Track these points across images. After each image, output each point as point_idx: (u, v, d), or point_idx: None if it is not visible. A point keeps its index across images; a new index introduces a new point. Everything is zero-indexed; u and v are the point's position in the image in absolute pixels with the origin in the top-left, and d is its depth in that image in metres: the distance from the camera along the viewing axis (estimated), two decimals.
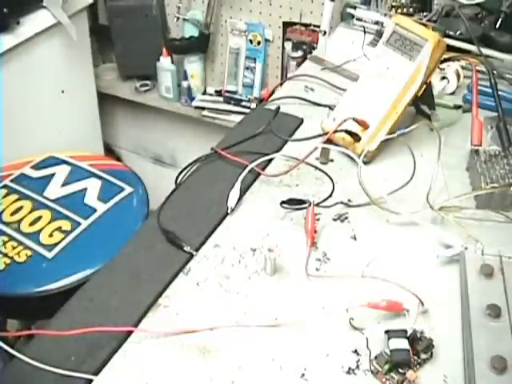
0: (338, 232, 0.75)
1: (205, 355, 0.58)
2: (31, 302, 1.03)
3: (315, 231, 0.72)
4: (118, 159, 2.11)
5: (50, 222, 1.13)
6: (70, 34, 1.52)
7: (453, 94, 1.05)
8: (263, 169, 0.84)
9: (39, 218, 1.14)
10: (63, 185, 1.23)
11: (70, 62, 1.65)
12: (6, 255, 1.06)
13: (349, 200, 0.79)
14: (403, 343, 0.56)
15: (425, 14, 1.25)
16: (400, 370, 0.56)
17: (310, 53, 1.51)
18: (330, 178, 0.83)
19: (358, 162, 0.78)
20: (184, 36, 1.75)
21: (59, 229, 1.11)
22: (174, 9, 1.75)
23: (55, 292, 1.01)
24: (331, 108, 0.95)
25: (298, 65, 1.50)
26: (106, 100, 1.93)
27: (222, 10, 1.72)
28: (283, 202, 0.77)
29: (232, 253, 0.71)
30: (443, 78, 1.04)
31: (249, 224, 0.76)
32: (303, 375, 0.57)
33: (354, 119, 0.85)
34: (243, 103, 1.76)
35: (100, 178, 1.25)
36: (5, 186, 1.22)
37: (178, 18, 1.75)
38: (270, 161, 0.86)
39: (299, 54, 1.61)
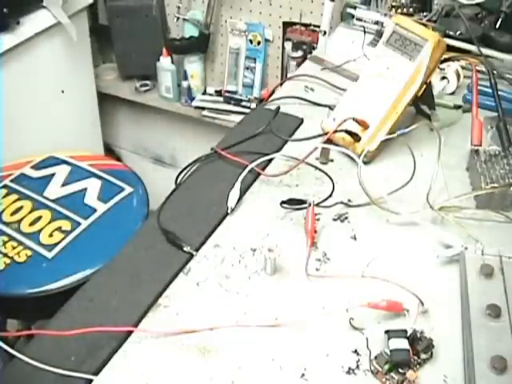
0: (337, 232, 0.75)
1: (205, 355, 0.58)
2: (31, 301, 1.03)
3: (315, 231, 0.72)
4: (118, 159, 2.11)
5: (50, 222, 1.13)
6: (70, 34, 1.52)
7: (453, 94, 1.05)
8: (263, 169, 0.84)
9: (39, 218, 1.14)
10: (63, 185, 1.23)
11: (70, 62, 1.65)
12: (6, 255, 1.06)
13: (349, 200, 0.79)
14: (403, 343, 0.56)
15: (425, 13, 1.25)
16: (400, 370, 0.56)
17: (310, 53, 1.51)
18: (330, 178, 0.83)
19: (358, 162, 0.78)
20: (184, 36, 1.75)
21: (59, 229, 1.11)
22: (174, 9, 1.75)
23: (55, 292, 1.01)
24: (331, 108, 0.95)
25: (298, 65, 1.50)
26: (105, 100, 1.93)
27: (222, 10, 1.72)
28: (283, 202, 0.77)
29: (232, 253, 0.71)
30: (443, 77, 1.04)
31: (249, 224, 0.76)
32: (303, 375, 0.57)
33: (354, 119, 0.85)
34: (243, 103, 1.76)
35: (100, 177, 1.25)
36: (5, 186, 1.22)
37: (178, 18, 1.75)
38: (270, 161, 0.86)
39: (299, 54, 1.61)
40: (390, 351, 0.56)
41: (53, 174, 1.26)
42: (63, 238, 1.09)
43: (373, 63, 0.89)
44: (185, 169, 0.86)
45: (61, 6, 1.47)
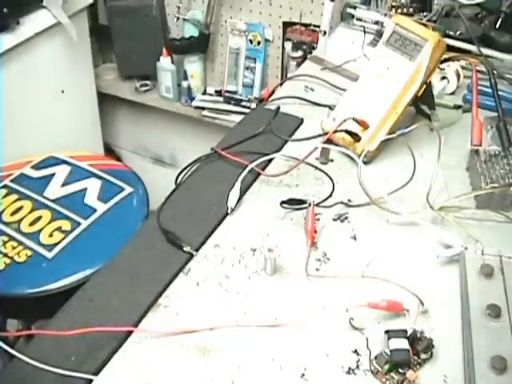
0: (337, 232, 0.75)
1: (205, 355, 0.58)
2: (31, 301, 1.03)
3: (315, 231, 0.72)
4: (118, 159, 2.11)
5: (50, 222, 1.13)
6: (70, 34, 1.52)
7: (453, 94, 1.05)
8: (263, 169, 0.84)
9: (39, 218, 1.14)
10: (63, 185, 1.23)
11: (70, 62, 1.65)
12: (6, 255, 1.06)
13: (349, 200, 0.79)
14: (403, 343, 0.56)
15: (425, 13, 1.25)
16: (400, 370, 0.56)
17: (310, 53, 1.51)
18: (330, 178, 0.83)
19: (358, 162, 0.78)
20: (184, 36, 1.75)
21: (59, 229, 1.11)
22: (174, 9, 1.75)
23: (55, 292, 1.01)
24: (331, 108, 0.95)
25: (298, 65, 1.50)
26: (106, 100, 1.93)
27: (222, 10, 1.72)
28: (283, 202, 0.77)
29: (232, 253, 0.71)
30: (443, 77, 1.04)
31: (249, 224, 0.76)
32: (303, 375, 0.57)
33: (354, 119, 0.85)
34: (243, 103, 1.76)
35: (100, 178, 1.25)
36: (5, 186, 1.22)
37: (178, 18, 1.75)
38: (270, 161, 0.86)
39: (299, 54, 1.61)
40: (390, 351, 0.56)
41: (53, 174, 1.26)
42: (63, 238, 1.09)
43: (373, 63, 0.89)
44: (185, 169, 0.86)
45: (61, 6, 1.47)
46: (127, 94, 1.92)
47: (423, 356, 0.57)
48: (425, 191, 0.76)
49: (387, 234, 0.75)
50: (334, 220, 0.77)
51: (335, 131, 0.85)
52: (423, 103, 0.91)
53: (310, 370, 0.57)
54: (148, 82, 1.91)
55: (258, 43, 1.70)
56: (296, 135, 0.94)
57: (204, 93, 1.86)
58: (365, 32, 1.21)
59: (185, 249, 0.70)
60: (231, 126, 1.61)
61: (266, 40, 1.69)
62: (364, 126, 0.86)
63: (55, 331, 0.60)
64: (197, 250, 0.71)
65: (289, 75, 1.48)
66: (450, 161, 0.83)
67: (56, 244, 1.08)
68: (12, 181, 1.24)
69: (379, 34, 1.19)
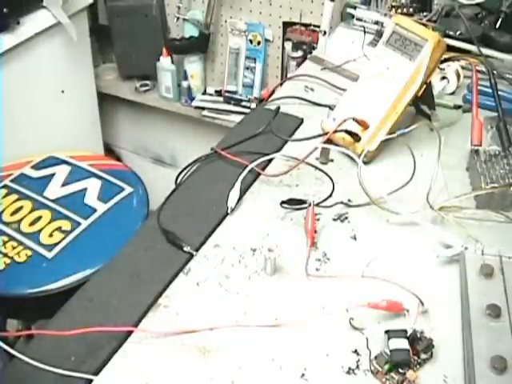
0: (338, 232, 0.75)
1: (205, 355, 0.58)
2: (31, 301, 1.03)
3: (315, 231, 0.72)
4: (118, 159, 2.11)
5: (50, 222, 1.13)
6: (70, 34, 1.52)
7: (453, 94, 1.05)
8: (263, 169, 0.84)
9: (39, 218, 1.14)
10: (63, 185, 1.23)
11: (70, 62, 1.65)
12: (6, 255, 1.06)
13: (349, 200, 0.79)
14: (403, 343, 0.56)
15: (425, 13, 1.25)
16: (400, 370, 0.56)
17: (310, 53, 1.51)
18: (330, 178, 0.83)
19: (358, 162, 0.78)
20: (184, 36, 1.75)
21: (59, 229, 1.11)
22: (174, 9, 1.75)
23: (55, 292, 1.01)
24: (331, 108, 0.95)
25: (298, 65, 1.50)
26: (106, 100, 1.93)
27: (222, 10, 1.72)
28: (283, 202, 0.77)
29: (232, 253, 0.71)
30: (443, 77, 1.04)
31: (249, 224, 0.76)
32: (303, 375, 0.57)
33: (354, 119, 0.85)
34: (243, 103, 1.76)
35: (100, 178, 1.25)
36: (5, 186, 1.22)
37: (178, 18, 1.75)
38: (270, 161, 0.86)
39: (299, 54, 1.61)
40: (390, 351, 0.56)
41: (53, 174, 1.26)
42: (63, 238, 1.09)
43: (373, 63, 0.89)
44: (185, 169, 0.86)
45: (61, 6, 1.47)
46: (127, 94, 1.92)
47: (423, 356, 0.57)
48: (425, 191, 0.76)
49: (387, 234, 0.75)
50: (334, 220, 0.77)
51: (335, 131, 0.85)
52: (423, 103, 0.91)
53: (309, 370, 0.57)
54: (148, 82, 1.91)
55: (258, 43, 1.70)
56: (296, 135, 0.94)
57: (204, 93, 1.86)
58: (365, 32, 1.21)
59: (185, 249, 0.70)
60: (231, 126, 1.61)
61: (266, 40, 1.69)
62: (364, 126, 0.86)
63: (55, 331, 0.60)
64: (197, 250, 0.71)
65: (289, 75, 1.48)
66: (449, 161, 0.83)
67: (56, 244, 1.08)
68: (12, 181, 1.24)
69: (379, 34, 1.19)
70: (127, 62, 1.87)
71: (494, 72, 0.88)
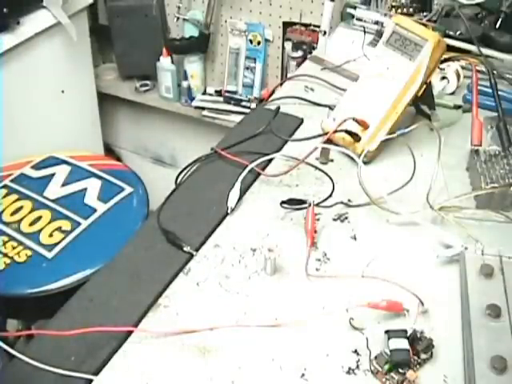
0: (338, 232, 0.75)
1: (205, 355, 0.58)
2: (31, 301, 1.03)
3: (315, 231, 0.72)
4: (118, 159, 2.11)
5: (50, 222, 1.13)
6: (70, 34, 1.52)
7: (453, 94, 1.05)
8: (263, 169, 0.84)
9: (39, 218, 1.14)
10: (63, 185, 1.23)
11: (70, 62, 1.65)
12: (6, 255, 1.06)
13: (349, 200, 0.79)
14: (403, 343, 0.56)
15: (425, 13, 1.25)
16: (400, 370, 0.56)
17: (310, 53, 1.51)
18: (330, 178, 0.83)
19: (358, 162, 0.78)
20: (184, 36, 1.75)
21: (59, 229, 1.11)
22: (174, 9, 1.75)
23: (55, 292, 1.01)
24: (331, 108, 0.95)
25: (298, 65, 1.50)
26: (106, 100, 1.93)
27: (222, 10, 1.72)
28: (283, 202, 0.77)
29: (232, 253, 0.71)
30: (443, 77, 1.04)
31: (249, 224, 0.76)
32: (303, 375, 0.57)
33: (354, 119, 0.85)
34: (243, 103, 1.76)
35: (100, 178, 1.25)
36: (5, 186, 1.22)
37: (178, 18, 1.75)
38: (270, 161, 0.86)
39: (299, 54, 1.61)
40: (390, 351, 0.56)
41: (53, 174, 1.26)
42: (63, 238, 1.09)
43: (373, 63, 0.89)
44: (185, 169, 0.86)
45: (61, 6, 1.47)
46: (127, 94, 1.92)
47: (423, 356, 0.57)
48: (425, 191, 0.76)
49: (387, 234, 0.75)
50: (334, 220, 0.76)
51: (335, 131, 0.85)
52: (423, 103, 0.91)
53: (309, 370, 0.57)
54: (148, 82, 1.91)
55: (258, 43, 1.70)
56: (296, 135, 0.94)
57: (204, 93, 1.86)
58: (365, 32, 1.21)
59: (185, 249, 0.70)
60: (231, 126, 1.61)
61: (266, 40, 1.69)
62: (364, 126, 0.86)
63: (55, 331, 0.60)
64: (197, 250, 0.71)
65: (289, 75, 1.48)
66: (449, 161, 0.83)
67: (56, 244, 1.08)
68: (12, 181, 1.24)
69: (379, 34, 1.19)
70: (127, 62, 1.87)
71: (494, 72, 0.88)
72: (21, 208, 1.16)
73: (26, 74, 1.49)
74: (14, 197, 1.19)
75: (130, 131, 2.12)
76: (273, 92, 1.09)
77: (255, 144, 0.90)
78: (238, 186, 0.78)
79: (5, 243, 1.08)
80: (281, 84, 1.14)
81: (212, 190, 0.81)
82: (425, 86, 0.87)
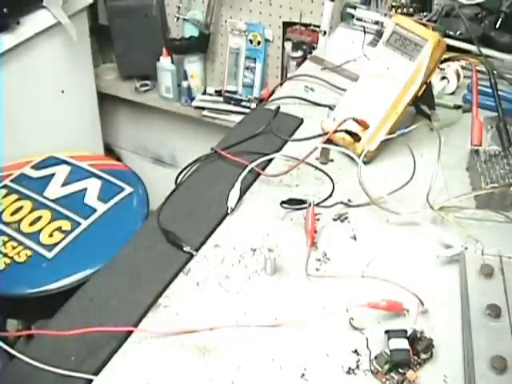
0: (338, 232, 0.75)
1: (205, 355, 0.58)
2: (31, 301, 1.03)
3: (315, 231, 0.72)
4: (118, 159, 2.11)
5: (50, 222, 1.13)
6: (70, 34, 1.52)
7: (453, 94, 1.05)
8: (263, 169, 0.84)
9: (39, 218, 1.14)
10: (63, 185, 1.23)
11: (70, 62, 1.65)
12: (6, 255, 1.06)
13: (349, 200, 0.79)
14: (403, 343, 0.56)
15: (425, 13, 1.25)
16: (400, 370, 0.56)
17: (310, 53, 1.51)
18: (330, 178, 0.83)
19: (358, 162, 0.78)
20: (184, 36, 1.75)
21: (59, 229, 1.11)
22: (174, 9, 1.75)
23: (55, 292, 1.01)
24: (331, 108, 0.95)
25: (298, 65, 1.50)
26: (106, 100, 1.93)
27: (222, 10, 1.72)
28: (283, 202, 0.77)
29: (232, 253, 0.71)
30: (443, 77, 1.04)
31: (249, 224, 0.76)
32: (303, 375, 0.57)
33: (354, 119, 0.85)
34: (243, 103, 1.76)
35: (100, 178, 1.25)
36: (5, 186, 1.22)
37: (178, 18, 1.75)
38: (270, 161, 0.86)
39: (299, 54, 1.61)
40: (390, 351, 0.56)
41: (53, 174, 1.26)
42: (63, 238, 1.09)
43: (373, 63, 0.89)
44: (185, 169, 0.86)
45: (61, 6, 1.47)
46: (127, 94, 1.92)
47: (423, 356, 0.57)
48: (425, 191, 0.76)
49: (387, 234, 0.75)
50: (334, 220, 0.77)
51: (335, 131, 0.85)
52: (423, 103, 0.91)
53: (310, 370, 0.57)
54: (148, 82, 1.91)
55: (258, 43, 1.70)
56: (296, 135, 0.94)
57: (204, 93, 1.86)
58: (365, 32, 1.21)
59: (185, 249, 0.70)
60: (231, 126, 1.61)
61: (266, 40, 1.69)
62: (364, 126, 0.86)
63: (55, 331, 0.60)
64: (197, 250, 0.71)
65: (289, 75, 1.47)
66: (449, 161, 0.83)
67: (56, 244, 1.08)
68: (12, 181, 1.24)
69: (379, 34, 1.19)
70: (127, 62, 1.87)
71: (494, 72, 0.88)
72: (21, 208, 1.16)
73: (25, 74, 1.49)
74: (14, 197, 1.19)
75: (130, 131, 2.12)
76: (273, 92, 1.09)
77: (255, 144, 0.90)
78: (237, 186, 0.78)
79: (5, 243, 1.08)
80: (281, 84, 1.14)
81: (212, 190, 0.81)
82: (425, 86, 0.87)
